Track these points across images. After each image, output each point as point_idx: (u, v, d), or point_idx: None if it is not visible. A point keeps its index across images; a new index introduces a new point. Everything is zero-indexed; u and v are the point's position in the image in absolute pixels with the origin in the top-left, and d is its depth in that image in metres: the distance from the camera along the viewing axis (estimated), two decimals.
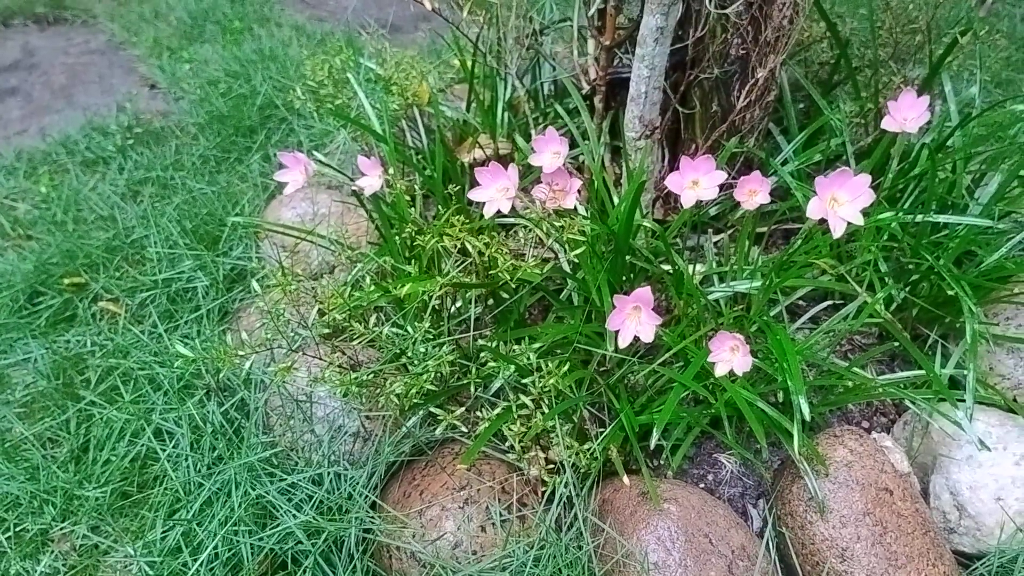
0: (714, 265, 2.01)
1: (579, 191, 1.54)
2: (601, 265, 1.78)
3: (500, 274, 1.44)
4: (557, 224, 1.52)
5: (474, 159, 2.40)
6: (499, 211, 1.40)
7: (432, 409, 1.52)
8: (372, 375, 1.53)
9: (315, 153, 2.39)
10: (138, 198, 2.64)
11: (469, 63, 2.44)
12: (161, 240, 2.29)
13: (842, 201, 1.32)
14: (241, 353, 1.44)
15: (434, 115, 2.35)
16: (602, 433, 1.67)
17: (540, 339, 1.75)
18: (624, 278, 1.88)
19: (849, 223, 1.31)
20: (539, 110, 2.52)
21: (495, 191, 1.42)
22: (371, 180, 1.84)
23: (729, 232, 2.15)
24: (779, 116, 2.35)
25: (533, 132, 2.29)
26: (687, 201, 1.45)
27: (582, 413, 1.64)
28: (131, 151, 2.90)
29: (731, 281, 1.94)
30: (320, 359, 1.55)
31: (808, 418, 1.48)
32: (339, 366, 1.55)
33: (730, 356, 1.42)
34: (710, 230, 2.15)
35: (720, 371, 1.42)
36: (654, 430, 1.55)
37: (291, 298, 1.52)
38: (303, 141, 2.74)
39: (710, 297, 1.94)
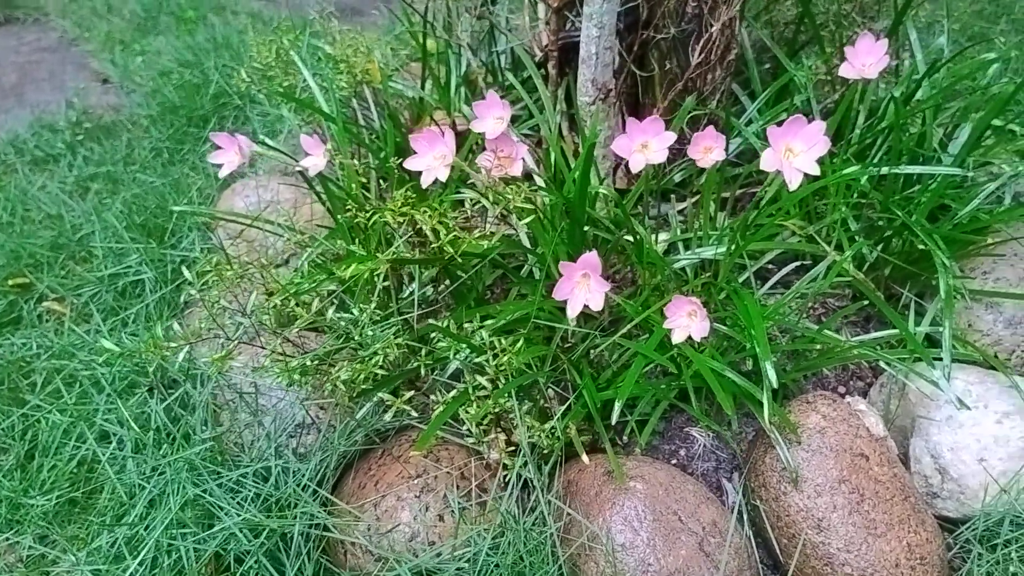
0: (679, 232, 1.93)
1: (527, 157, 1.46)
2: (558, 237, 1.70)
3: (444, 247, 1.36)
4: (504, 193, 1.44)
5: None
6: (437, 180, 1.32)
7: (381, 395, 1.44)
8: (317, 361, 1.45)
9: (263, 137, 2.30)
10: (88, 195, 2.54)
11: (421, 38, 2.35)
12: (108, 235, 2.20)
13: (797, 151, 1.24)
14: (172, 344, 1.36)
15: (385, 90, 2.26)
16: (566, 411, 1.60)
17: (500, 316, 1.68)
18: (584, 249, 1.80)
19: (806, 174, 1.23)
20: (497, 83, 2.44)
21: (432, 159, 1.33)
22: (314, 160, 1.76)
23: (694, 199, 2.07)
24: (745, 78, 2.27)
25: None
26: (636, 165, 1.37)
27: (544, 392, 1.57)
28: (81, 147, 2.81)
29: (696, 248, 1.86)
30: (262, 348, 1.47)
31: (776, 386, 1.41)
32: (283, 354, 1.47)
33: (687, 321, 1.35)
34: (673, 197, 2.07)
35: (677, 337, 1.35)
36: (615, 404, 1.47)
37: (230, 285, 1.43)
38: (256, 128, 2.65)
39: (676, 265, 1.86)
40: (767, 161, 1.22)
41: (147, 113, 2.93)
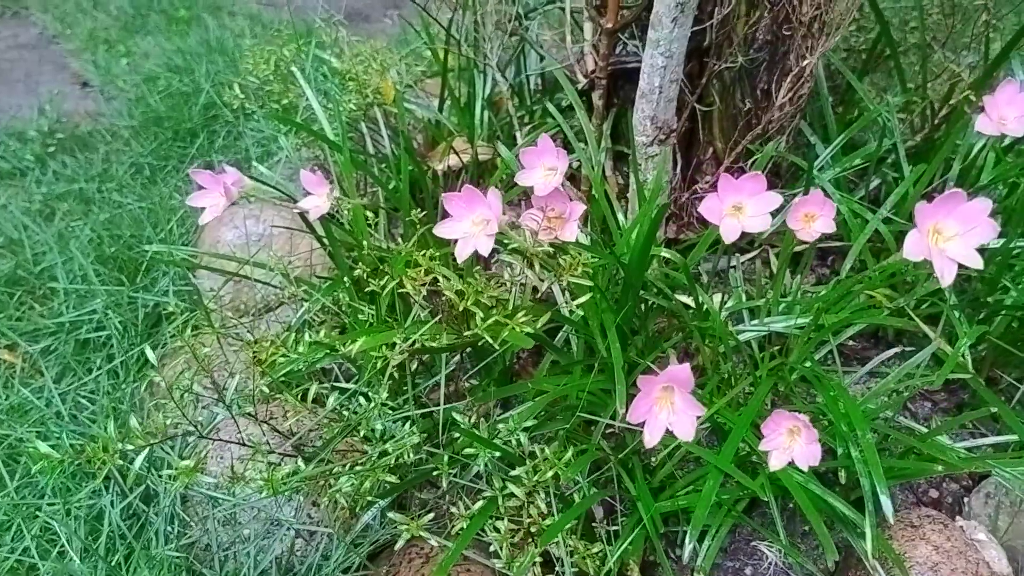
0: (743, 297, 1.65)
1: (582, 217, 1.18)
2: (607, 305, 1.41)
3: (480, 332, 1.06)
4: (554, 261, 1.15)
5: (448, 167, 2.02)
6: (476, 252, 1.03)
7: (390, 515, 1.15)
8: (317, 464, 1.15)
9: (255, 164, 2.00)
10: (55, 217, 2.24)
11: (442, 54, 2.06)
12: (74, 270, 1.90)
13: (948, 235, 0.95)
14: (129, 447, 1.06)
15: (400, 115, 1.97)
16: (613, 525, 1.31)
17: (532, 397, 1.39)
18: (634, 316, 1.51)
19: (962, 266, 0.94)
20: (525, 108, 2.15)
21: (471, 224, 1.04)
22: (317, 200, 1.47)
23: (758, 251, 1.79)
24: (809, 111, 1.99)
25: (518, 135, 1.92)
26: (729, 234, 1.08)
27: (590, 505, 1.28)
28: (52, 160, 2.50)
29: (765, 317, 1.57)
30: (242, 444, 1.17)
31: (892, 520, 1.12)
32: (270, 451, 1.18)
33: (788, 442, 1.06)
34: (734, 251, 1.78)
35: (776, 463, 1.06)
36: (687, 536, 1.18)
37: (204, 366, 1.14)
38: (249, 147, 2.35)
39: (740, 337, 1.57)
40: (912, 248, 0.93)
41: (128, 124, 2.63)
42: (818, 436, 1.29)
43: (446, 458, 1.16)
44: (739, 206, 1.09)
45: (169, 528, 1.32)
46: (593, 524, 1.27)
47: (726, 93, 1.75)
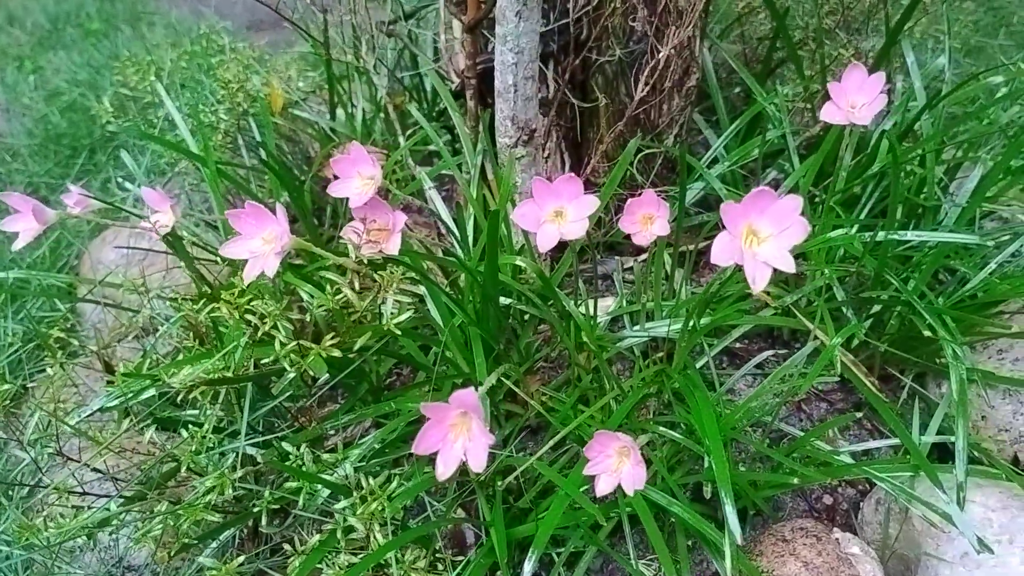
0: (625, 301, 1.57)
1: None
2: (469, 317, 1.34)
3: (281, 360, 0.98)
4: (376, 276, 1.08)
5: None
6: (264, 273, 0.95)
7: (201, 559, 1.07)
8: (124, 505, 1.07)
9: (124, 183, 1.92)
10: None
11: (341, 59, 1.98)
12: None
13: (763, 236, 0.87)
14: None
15: (266, 125, 1.89)
16: (469, 552, 1.23)
17: (393, 419, 1.32)
18: (501, 327, 1.43)
19: (776, 270, 0.86)
20: (422, 110, 2.07)
21: (260, 242, 0.96)
22: (161, 216, 1.39)
23: (645, 256, 1.71)
24: (709, 106, 1.91)
25: (402, 139, 1.84)
26: (545, 242, 1.00)
27: (438, 532, 1.20)
28: None
29: (647, 322, 1.50)
30: (43, 487, 1.09)
31: (741, 541, 1.04)
32: (83, 494, 1.10)
33: (617, 464, 0.98)
34: (616, 256, 1.71)
35: (603, 488, 0.98)
36: (527, 559, 1.10)
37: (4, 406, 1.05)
38: (143, 163, 2.26)
39: (622, 344, 1.50)
40: (721, 252, 0.85)
41: (28, 143, 2.54)
42: (679, 438, 1.23)
43: (267, 493, 1.08)
44: (560, 211, 1.01)
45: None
46: (438, 554, 1.18)
47: (610, 88, 1.68)
